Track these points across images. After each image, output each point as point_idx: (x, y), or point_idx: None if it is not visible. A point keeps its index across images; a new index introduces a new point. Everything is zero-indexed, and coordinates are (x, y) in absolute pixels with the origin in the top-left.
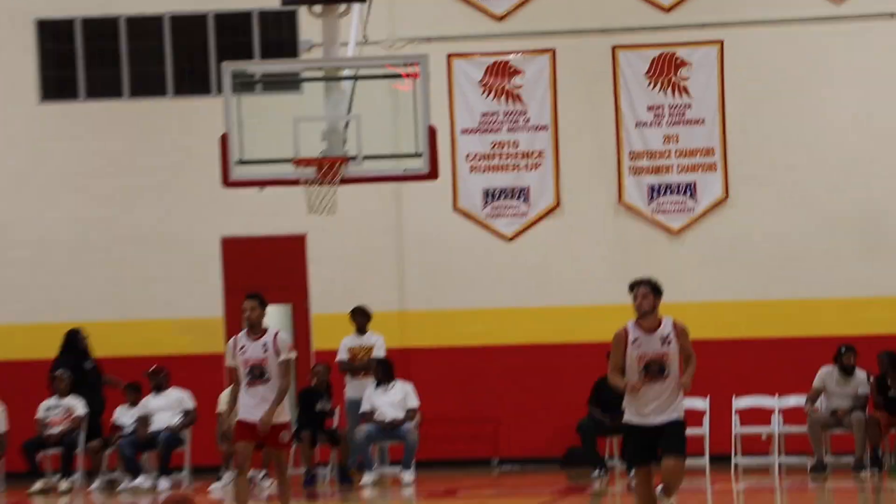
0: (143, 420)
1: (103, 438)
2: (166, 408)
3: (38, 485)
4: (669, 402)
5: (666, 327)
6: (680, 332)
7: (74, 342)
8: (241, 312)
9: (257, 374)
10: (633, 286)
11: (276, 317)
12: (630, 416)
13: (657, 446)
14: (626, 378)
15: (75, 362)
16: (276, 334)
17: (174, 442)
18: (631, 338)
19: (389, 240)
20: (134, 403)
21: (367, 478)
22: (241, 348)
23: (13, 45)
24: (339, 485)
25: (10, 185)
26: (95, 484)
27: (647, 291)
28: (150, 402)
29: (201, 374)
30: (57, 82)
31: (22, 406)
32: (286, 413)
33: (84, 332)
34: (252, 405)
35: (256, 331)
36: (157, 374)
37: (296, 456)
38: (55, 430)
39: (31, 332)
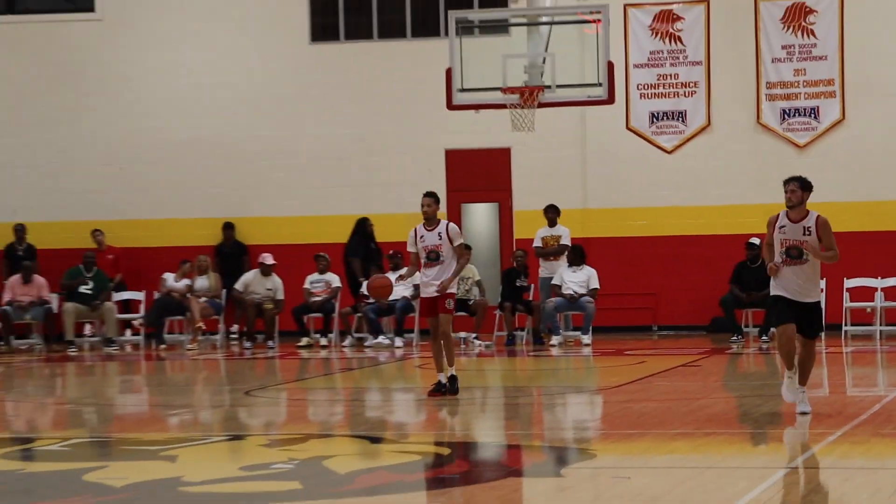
0: None
1: (353, 305)
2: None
3: (303, 341)
4: (809, 287)
5: (809, 220)
6: (821, 225)
7: (363, 227)
8: (420, 208)
9: (433, 257)
10: (786, 182)
11: (485, 212)
12: (776, 290)
13: (798, 320)
14: (772, 257)
15: (364, 243)
16: (447, 225)
17: (407, 309)
18: (779, 224)
19: (575, 151)
20: None
21: (555, 339)
22: (421, 237)
23: None
24: (532, 344)
25: (285, 109)
26: (347, 341)
27: (796, 187)
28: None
29: None
30: (323, 27)
31: (292, 280)
32: (454, 286)
33: (370, 220)
34: (428, 283)
35: (432, 222)
36: (395, 256)
37: (499, 322)
38: (317, 298)
39: (300, 222)
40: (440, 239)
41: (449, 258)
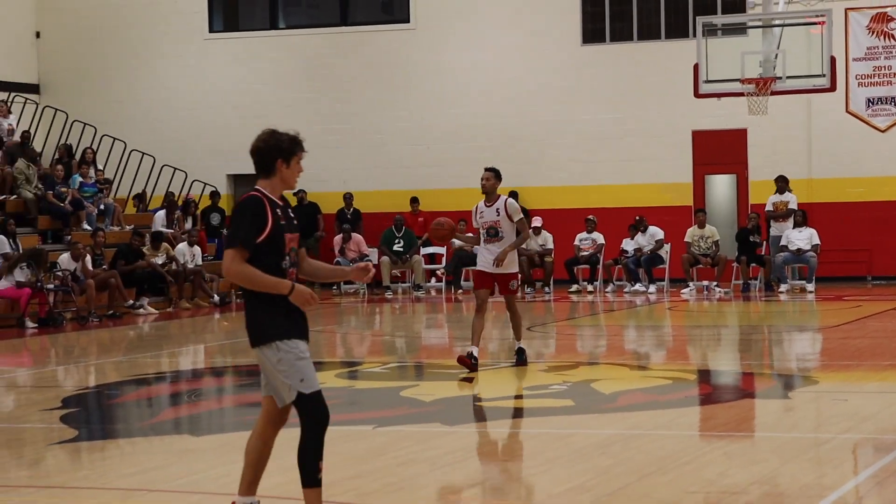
0: (638, 249)
1: (615, 258)
2: (647, 240)
3: (573, 288)
4: None
5: None
6: None
7: None
8: (480, 181)
9: (492, 233)
10: None
11: (725, 182)
12: None
13: None
14: None
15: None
16: (506, 201)
17: (656, 260)
18: None
19: (802, 131)
20: (632, 237)
21: (783, 287)
22: (480, 213)
23: (560, 4)
24: (764, 291)
25: (560, 99)
26: (609, 288)
27: None
28: (639, 237)
29: (673, 218)
30: (592, 32)
31: (564, 237)
32: (515, 265)
33: None
34: (488, 258)
35: (491, 198)
36: (641, 221)
37: (736, 272)
38: (585, 253)
39: (570, 191)
40: (498, 215)
41: (509, 234)
